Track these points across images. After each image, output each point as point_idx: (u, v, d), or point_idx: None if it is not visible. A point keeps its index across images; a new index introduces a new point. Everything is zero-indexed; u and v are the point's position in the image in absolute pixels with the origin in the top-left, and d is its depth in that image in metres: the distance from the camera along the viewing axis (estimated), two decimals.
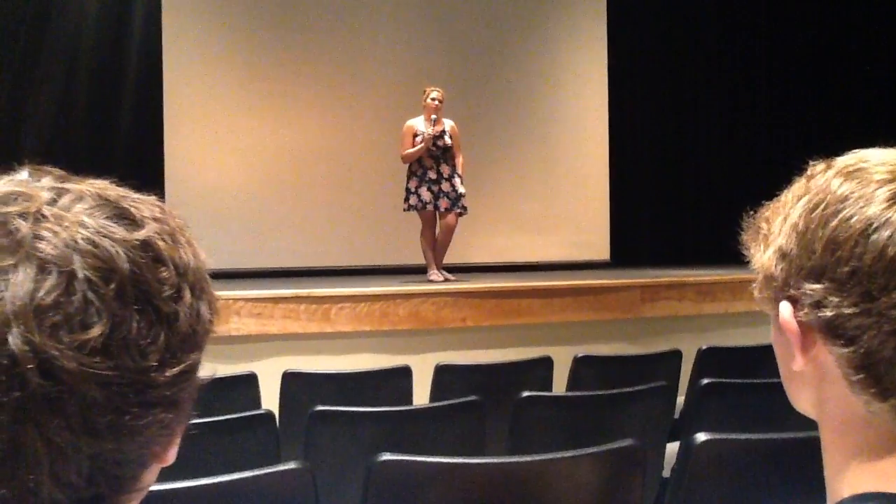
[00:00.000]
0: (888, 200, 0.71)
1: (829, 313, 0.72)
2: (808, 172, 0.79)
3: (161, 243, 0.58)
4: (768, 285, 0.78)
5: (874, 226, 0.70)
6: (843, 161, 0.77)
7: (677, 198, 8.27)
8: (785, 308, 0.75)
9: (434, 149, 5.73)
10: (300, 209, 7.55)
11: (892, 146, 0.78)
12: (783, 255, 0.76)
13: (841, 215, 0.72)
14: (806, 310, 0.74)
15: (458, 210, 5.81)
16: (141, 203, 0.60)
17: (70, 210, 0.56)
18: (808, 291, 0.73)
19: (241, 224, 7.29)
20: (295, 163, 7.61)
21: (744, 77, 8.60)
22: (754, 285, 0.81)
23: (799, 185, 0.79)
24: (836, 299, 0.71)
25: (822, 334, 0.73)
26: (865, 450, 0.73)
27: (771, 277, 0.77)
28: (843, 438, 0.75)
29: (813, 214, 0.74)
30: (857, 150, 0.79)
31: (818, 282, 0.72)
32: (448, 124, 5.84)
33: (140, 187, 0.63)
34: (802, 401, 0.80)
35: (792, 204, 0.77)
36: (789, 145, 8.12)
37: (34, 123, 6.85)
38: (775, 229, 0.78)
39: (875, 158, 0.76)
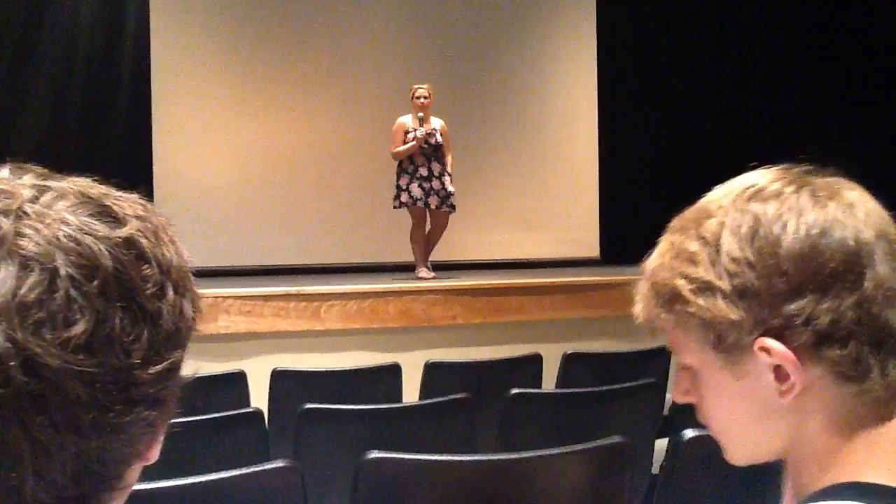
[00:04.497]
0: (814, 203, 0.74)
1: (824, 320, 0.72)
2: (676, 226, 0.81)
3: (144, 241, 0.58)
4: (720, 331, 0.75)
5: (826, 226, 0.73)
6: (734, 192, 0.78)
7: (668, 195, 8.27)
8: (774, 343, 0.74)
9: (426, 146, 5.74)
10: (289, 207, 7.54)
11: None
12: (742, 293, 0.74)
13: (789, 230, 0.73)
14: (799, 330, 0.73)
15: (447, 208, 5.82)
16: (123, 201, 0.60)
17: (52, 207, 0.56)
18: (793, 311, 0.73)
19: (231, 222, 7.27)
20: (284, 160, 7.60)
21: (736, 73, 8.60)
22: (675, 340, 0.80)
23: (684, 239, 0.79)
24: (825, 305, 0.72)
25: (815, 348, 0.73)
26: (850, 445, 0.75)
27: (728, 322, 0.75)
28: (824, 446, 0.75)
29: (756, 243, 0.74)
30: (719, 187, 0.80)
31: (800, 298, 0.73)
32: (438, 123, 5.87)
33: (129, 185, 0.63)
34: (772, 439, 0.78)
35: (707, 250, 0.76)
36: (780, 141, 8.14)
37: (24, 123, 6.81)
38: (705, 275, 0.76)
39: (757, 179, 0.78)
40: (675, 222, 0.82)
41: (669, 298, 0.78)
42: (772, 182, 0.77)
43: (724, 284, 0.75)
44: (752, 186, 0.78)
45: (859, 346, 0.72)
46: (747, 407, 0.77)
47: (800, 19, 8.43)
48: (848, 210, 0.74)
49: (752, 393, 0.76)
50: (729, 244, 0.75)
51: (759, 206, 0.75)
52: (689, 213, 0.82)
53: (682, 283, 0.77)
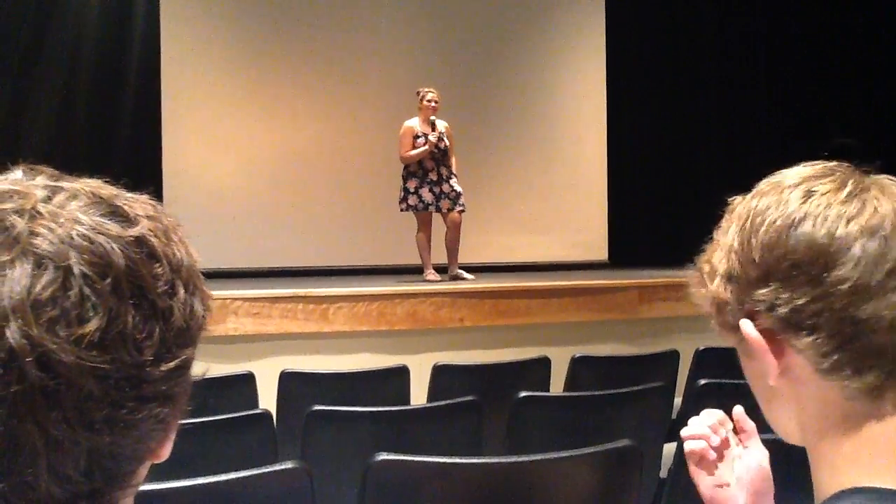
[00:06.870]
0: (802, 198, 0.77)
1: (784, 310, 0.75)
2: (730, 207, 0.85)
3: (154, 240, 0.59)
4: (723, 311, 0.82)
5: (797, 219, 0.76)
6: (757, 186, 0.83)
7: (675, 198, 8.26)
8: (746, 324, 0.79)
9: (436, 151, 5.78)
10: (298, 209, 7.55)
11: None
12: (729, 277, 0.80)
13: (767, 221, 0.78)
14: (764, 315, 0.77)
15: (459, 208, 5.87)
16: (134, 201, 0.61)
17: (65, 207, 0.57)
18: (759, 298, 0.77)
19: (239, 224, 7.29)
20: (293, 162, 7.62)
21: (742, 77, 8.60)
22: (713, 322, 0.85)
23: (724, 220, 0.85)
24: (786, 295, 0.75)
25: (786, 334, 0.76)
26: (846, 443, 0.76)
27: (724, 303, 0.81)
28: (823, 439, 0.77)
29: (744, 232, 0.80)
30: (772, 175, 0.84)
31: (766, 285, 0.77)
32: (443, 125, 5.89)
33: (138, 187, 0.64)
34: (787, 422, 0.82)
35: (721, 237, 0.83)
36: (787, 146, 8.12)
37: (34, 122, 6.85)
38: (716, 261, 0.83)
39: (786, 174, 0.82)
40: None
41: (700, 279, 0.85)
42: (787, 178, 0.81)
43: (721, 268, 0.81)
44: (772, 179, 0.82)
45: (824, 339, 0.74)
46: (760, 384, 0.82)
47: (805, 23, 8.41)
48: (843, 206, 0.75)
49: (759, 372, 0.80)
50: (731, 233, 0.81)
51: (757, 200, 0.80)
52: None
53: (705, 266, 0.85)
